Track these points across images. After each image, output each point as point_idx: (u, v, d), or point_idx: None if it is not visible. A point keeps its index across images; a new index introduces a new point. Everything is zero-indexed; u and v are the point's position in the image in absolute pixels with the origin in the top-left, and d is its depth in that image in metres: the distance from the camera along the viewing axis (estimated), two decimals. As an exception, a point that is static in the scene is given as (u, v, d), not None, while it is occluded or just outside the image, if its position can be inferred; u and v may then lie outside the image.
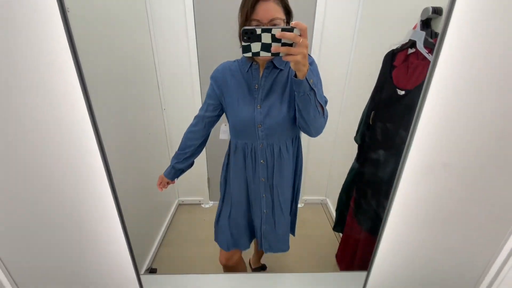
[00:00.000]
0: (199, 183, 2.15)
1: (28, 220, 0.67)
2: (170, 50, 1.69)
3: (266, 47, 0.61)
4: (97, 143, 0.59)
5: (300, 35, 0.60)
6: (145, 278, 1.15)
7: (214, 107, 1.02)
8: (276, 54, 0.62)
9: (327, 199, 2.24)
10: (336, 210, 1.59)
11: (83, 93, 0.54)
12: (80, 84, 0.53)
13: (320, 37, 1.72)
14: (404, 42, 1.08)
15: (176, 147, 2.01)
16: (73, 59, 0.51)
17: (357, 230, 1.40)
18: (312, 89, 0.73)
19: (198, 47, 1.68)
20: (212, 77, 0.99)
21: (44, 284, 0.77)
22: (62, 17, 0.48)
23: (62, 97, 0.54)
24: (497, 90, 0.56)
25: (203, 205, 2.22)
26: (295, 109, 0.85)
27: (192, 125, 1.11)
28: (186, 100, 1.84)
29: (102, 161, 0.60)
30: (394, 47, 1.15)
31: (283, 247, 1.13)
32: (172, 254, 1.73)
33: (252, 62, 0.90)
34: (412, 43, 1.03)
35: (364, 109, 1.34)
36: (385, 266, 0.77)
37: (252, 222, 1.14)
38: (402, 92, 1.06)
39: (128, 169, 1.41)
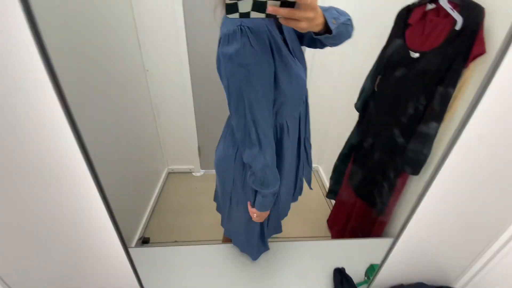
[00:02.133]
0: (189, 152, 2.06)
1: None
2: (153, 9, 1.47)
3: (259, 6, 0.45)
4: (61, 104, 0.47)
5: None
6: (136, 252, 1.12)
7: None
8: (273, 16, 0.47)
9: (319, 167, 2.23)
10: (331, 178, 1.58)
11: (41, 57, 0.41)
12: (44, 62, 0.40)
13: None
14: (423, -4, 0.96)
15: (162, 111, 1.88)
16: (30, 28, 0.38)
17: (352, 198, 1.41)
18: (340, 24, 0.57)
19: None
20: (254, 55, 0.56)
21: (26, 268, 0.70)
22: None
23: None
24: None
25: (194, 173, 2.16)
26: None
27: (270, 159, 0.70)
28: (170, 60, 1.65)
29: (69, 124, 0.48)
30: (410, 2, 1.02)
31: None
32: (165, 223, 1.71)
33: None
34: (433, -3, 0.91)
35: (369, 74, 1.24)
36: (414, 234, 0.75)
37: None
38: (416, 55, 0.96)
39: (111, 137, 1.29)
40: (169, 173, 2.13)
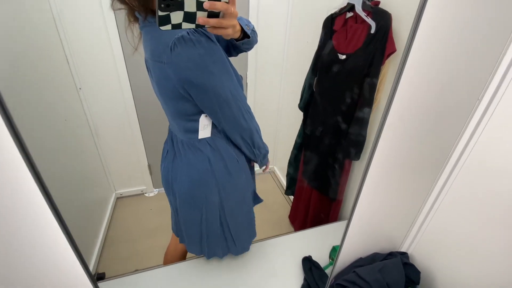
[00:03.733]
0: (138, 172, 1.93)
1: None
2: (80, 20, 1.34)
3: (189, 17, 0.48)
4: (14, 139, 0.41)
5: (227, 2, 0.50)
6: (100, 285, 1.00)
7: None
8: (202, 26, 0.51)
9: (275, 167, 2.33)
10: (287, 175, 1.67)
11: None
12: None
13: (257, 4, 1.63)
14: (342, 6, 1.11)
15: (102, 131, 1.70)
16: None
17: (307, 191, 1.51)
18: (252, 31, 0.70)
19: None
20: (218, 49, 0.64)
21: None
22: None
23: None
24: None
25: (146, 194, 2.02)
26: None
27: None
28: (106, 74, 1.53)
29: (26, 161, 0.43)
30: (333, 11, 1.17)
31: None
32: (120, 253, 1.55)
33: None
34: (350, 7, 1.06)
35: (306, 76, 1.37)
36: (363, 213, 0.85)
37: None
38: (344, 56, 1.11)
39: (45, 165, 1.13)
40: (118, 198, 1.95)
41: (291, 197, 1.83)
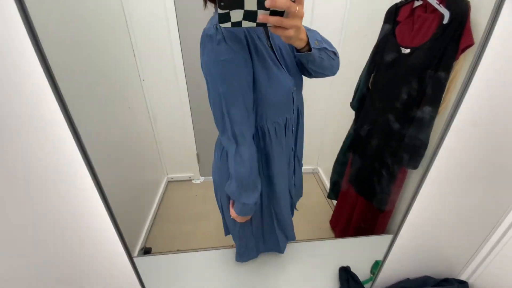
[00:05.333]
0: (188, 159, 2.06)
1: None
2: (145, 13, 1.49)
3: (250, 16, 0.47)
4: (68, 124, 0.47)
5: (294, 1, 0.47)
6: (140, 261, 1.11)
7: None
8: (263, 25, 0.49)
9: (319, 168, 2.23)
10: (331, 178, 1.58)
11: (48, 80, 0.42)
12: (45, 70, 0.42)
13: (313, -6, 1.57)
14: (410, -6, 0.98)
15: (159, 120, 1.89)
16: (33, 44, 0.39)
17: (352, 197, 1.41)
18: (321, 48, 0.61)
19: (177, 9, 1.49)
20: (229, 52, 0.57)
21: (35, 283, 0.69)
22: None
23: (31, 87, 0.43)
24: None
25: (193, 181, 2.15)
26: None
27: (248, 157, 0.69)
28: (166, 69, 1.67)
29: (75, 141, 0.49)
30: (398, 0, 1.05)
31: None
32: (166, 232, 1.69)
33: None
34: (419, -6, 0.94)
35: (362, 72, 1.26)
36: (414, 228, 0.76)
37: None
38: (407, 51, 0.98)
39: (109, 147, 1.29)
40: (169, 182, 2.12)
41: (334, 201, 1.74)
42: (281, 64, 0.68)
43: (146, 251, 1.48)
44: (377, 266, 0.99)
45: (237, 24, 0.48)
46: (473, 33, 0.82)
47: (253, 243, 0.96)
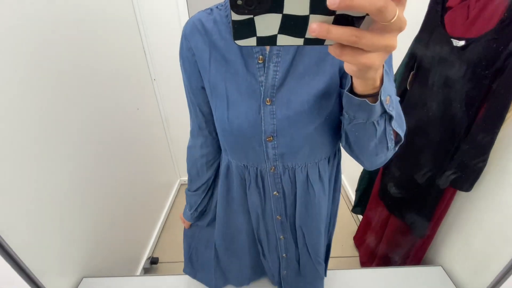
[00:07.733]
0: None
1: None
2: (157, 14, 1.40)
3: (292, 26, 0.24)
4: None
5: None
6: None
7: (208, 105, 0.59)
8: (317, 43, 0.25)
9: (342, 175, 2.04)
10: (357, 191, 1.40)
11: None
12: None
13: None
14: (467, -29, 0.78)
15: (172, 121, 1.81)
16: None
17: (382, 214, 1.22)
18: (384, 112, 0.37)
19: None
20: (182, 50, 0.56)
21: None
22: None
23: None
24: None
25: (206, 185, 2.05)
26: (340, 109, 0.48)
27: (188, 146, 0.70)
28: (178, 68, 1.57)
29: None
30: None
31: None
32: (175, 240, 1.60)
33: None
34: (481, -30, 0.73)
35: (398, 69, 1.07)
36: None
37: (258, 259, 0.80)
38: (461, 43, 0.79)
39: (121, 147, 1.21)
40: (181, 185, 2.05)
41: (360, 216, 1.55)
42: (263, 90, 0.47)
43: (152, 261, 1.40)
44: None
45: (268, 40, 0.25)
46: None
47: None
